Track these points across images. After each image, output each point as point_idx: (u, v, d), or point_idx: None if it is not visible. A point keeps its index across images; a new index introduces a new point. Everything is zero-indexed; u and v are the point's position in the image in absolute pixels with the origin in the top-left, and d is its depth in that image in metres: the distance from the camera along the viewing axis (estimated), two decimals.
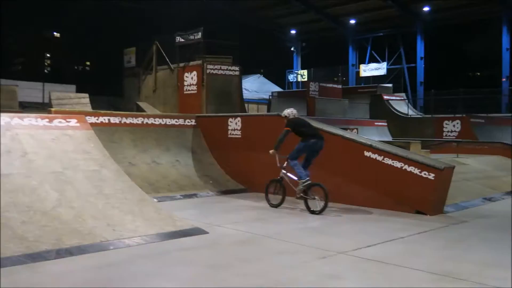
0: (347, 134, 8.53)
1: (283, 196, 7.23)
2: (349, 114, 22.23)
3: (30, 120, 6.46)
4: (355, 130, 16.25)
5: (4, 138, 5.94)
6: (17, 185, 5.36)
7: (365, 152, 7.47)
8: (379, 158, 7.31)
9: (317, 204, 6.69)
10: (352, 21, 31.63)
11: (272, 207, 7.21)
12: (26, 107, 25.01)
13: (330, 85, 24.11)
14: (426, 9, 28.05)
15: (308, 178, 6.86)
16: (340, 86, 25.17)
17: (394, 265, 4.23)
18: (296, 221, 6.34)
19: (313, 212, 6.67)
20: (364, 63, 33.53)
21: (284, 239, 5.20)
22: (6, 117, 6.27)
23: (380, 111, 21.86)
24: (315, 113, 20.56)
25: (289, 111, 7.50)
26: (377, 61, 32.93)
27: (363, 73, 33.29)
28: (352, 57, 34.01)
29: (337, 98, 23.01)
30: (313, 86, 22.37)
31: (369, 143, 7.66)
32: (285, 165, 7.24)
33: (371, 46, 33.19)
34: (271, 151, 7.18)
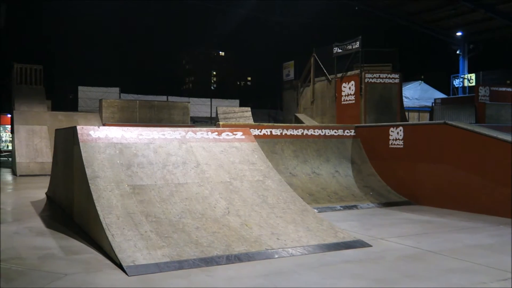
0: None
1: None
2: None
3: (202, 134, 7.02)
4: None
5: (180, 150, 6.56)
6: (192, 193, 5.86)
7: None
8: None
9: None
10: None
11: None
12: (196, 121, 27.42)
13: (503, 88, 21.93)
14: None
15: None
16: None
17: None
18: (467, 237, 5.83)
19: None
20: None
21: (455, 256, 4.81)
22: (182, 131, 6.92)
23: None
24: (485, 119, 18.86)
25: None
26: None
27: None
28: None
29: None
30: (483, 91, 20.60)
31: None
32: None
33: None
34: None
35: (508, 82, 31.33)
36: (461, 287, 3.88)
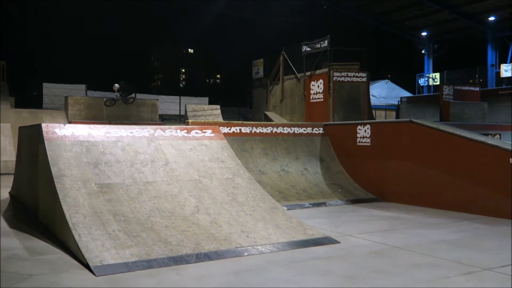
0: (488, 140, 7.86)
1: None
2: (489, 118, 20.55)
3: (171, 131, 6.95)
4: (497, 136, 14.93)
5: (149, 148, 6.48)
6: (160, 191, 5.80)
7: (511, 159, 6.81)
8: None
9: None
10: (492, 18, 29.28)
11: None
12: (165, 119, 27.15)
13: (466, 87, 22.57)
14: None
15: None
16: (477, 89, 23.43)
17: None
18: (432, 233, 5.97)
19: None
20: (506, 63, 30.78)
21: (421, 251, 4.92)
22: (150, 129, 6.84)
23: None
24: (450, 118, 19.35)
25: None
26: None
27: (504, 74, 30.55)
28: (491, 56, 31.41)
29: (475, 101, 21.41)
30: (447, 90, 21.14)
31: None
32: None
33: None
34: None
35: (471, 81, 32.21)
36: (426, 281, 3.97)
